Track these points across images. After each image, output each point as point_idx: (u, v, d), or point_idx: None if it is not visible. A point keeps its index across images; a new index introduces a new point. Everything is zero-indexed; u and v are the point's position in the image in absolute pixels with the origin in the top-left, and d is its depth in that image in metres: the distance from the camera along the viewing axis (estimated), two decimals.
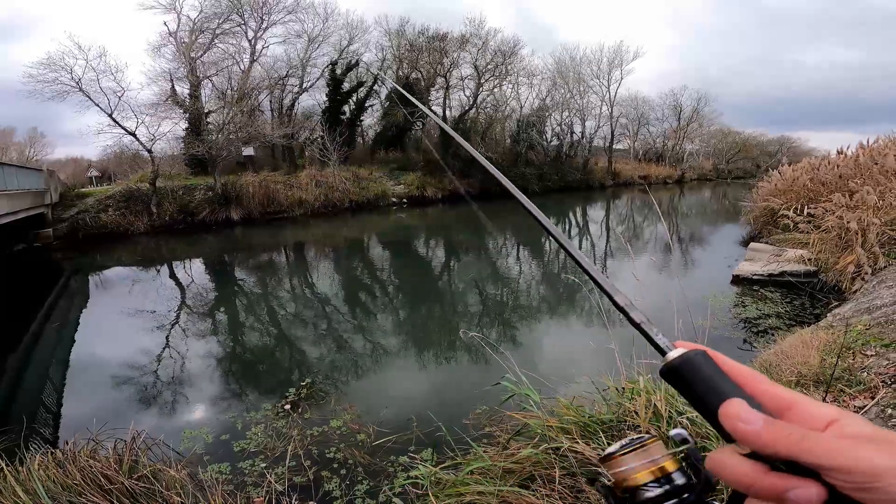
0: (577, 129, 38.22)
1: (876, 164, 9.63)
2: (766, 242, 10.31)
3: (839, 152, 11.85)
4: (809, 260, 8.24)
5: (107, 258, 15.34)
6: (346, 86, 28.95)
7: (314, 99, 29.65)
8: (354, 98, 29.72)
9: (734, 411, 0.35)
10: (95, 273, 13.61)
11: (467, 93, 31.66)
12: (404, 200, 26.68)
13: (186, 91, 23.67)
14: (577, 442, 2.41)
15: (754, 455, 0.35)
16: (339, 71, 28.44)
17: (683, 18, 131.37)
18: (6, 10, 50.59)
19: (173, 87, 23.23)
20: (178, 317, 8.71)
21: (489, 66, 30.63)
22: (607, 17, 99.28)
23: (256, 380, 5.67)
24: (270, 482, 3.11)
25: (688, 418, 2.37)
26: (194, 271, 13.51)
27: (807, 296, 7.22)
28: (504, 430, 3.01)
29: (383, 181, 26.93)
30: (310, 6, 26.77)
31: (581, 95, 37.87)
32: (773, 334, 5.65)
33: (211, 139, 21.61)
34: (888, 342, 3.81)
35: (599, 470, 0.45)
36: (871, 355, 3.66)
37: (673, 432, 0.45)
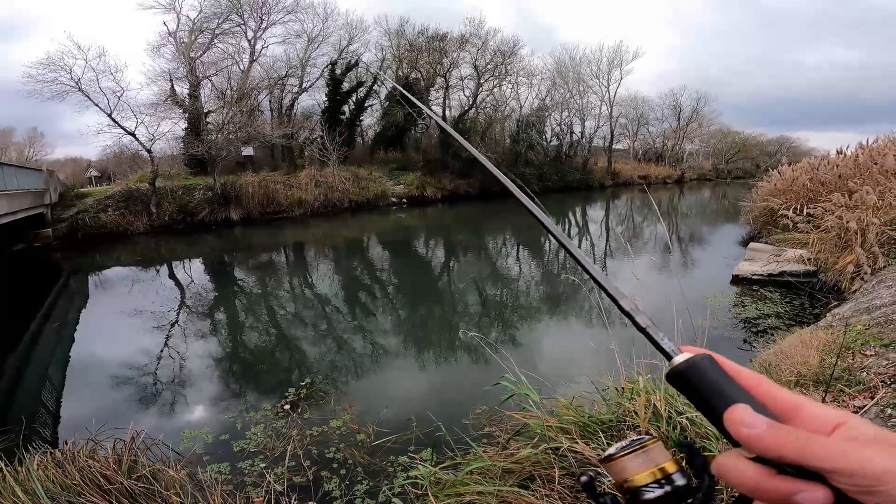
0: (577, 129, 38.39)
1: (875, 163, 9.65)
2: (766, 242, 10.32)
3: (839, 152, 11.86)
4: (809, 260, 8.24)
5: (106, 258, 15.33)
6: (345, 86, 28.97)
7: (314, 99, 29.74)
8: (354, 98, 29.75)
9: (739, 416, 0.35)
10: (95, 273, 13.60)
11: (467, 93, 31.76)
12: (404, 200, 26.69)
13: (186, 91, 23.68)
14: (577, 442, 2.41)
15: (760, 459, 0.35)
16: (338, 71, 28.46)
17: (683, 18, 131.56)
18: (6, 10, 50.62)
19: (173, 87, 23.25)
20: (177, 317, 8.71)
21: (489, 66, 30.67)
22: (607, 17, 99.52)
23: (256, 380, 5.67)
24: (270, 482, 3.11)
25: (687, 418, 2.37)
26: (194, 271, 13.50)
27: (806, 296, 7.22)
28: (503, 430, 3.00)
29: (383, 181, 26.94)
30: (309, 6, 26.86)
31: (581, 95, 37.97)
32: (772, 334, 5.65)
33: (210, 139, 21.62)
34: (888, 342, 3.81)
35: (599, 471, 0.45)
36: (871, 355, 3.66)
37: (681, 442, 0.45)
